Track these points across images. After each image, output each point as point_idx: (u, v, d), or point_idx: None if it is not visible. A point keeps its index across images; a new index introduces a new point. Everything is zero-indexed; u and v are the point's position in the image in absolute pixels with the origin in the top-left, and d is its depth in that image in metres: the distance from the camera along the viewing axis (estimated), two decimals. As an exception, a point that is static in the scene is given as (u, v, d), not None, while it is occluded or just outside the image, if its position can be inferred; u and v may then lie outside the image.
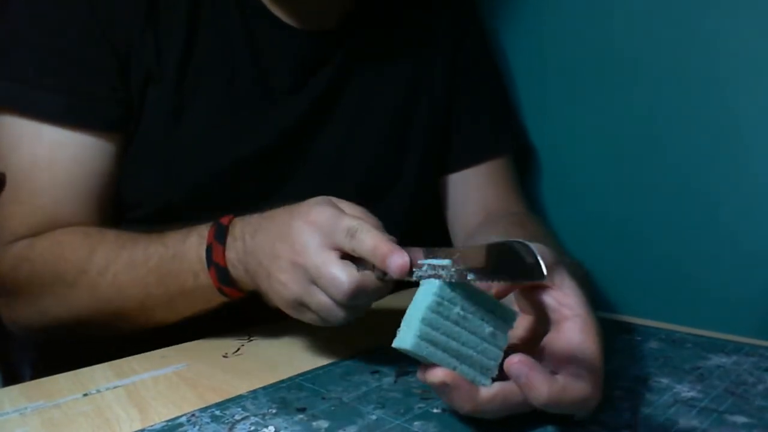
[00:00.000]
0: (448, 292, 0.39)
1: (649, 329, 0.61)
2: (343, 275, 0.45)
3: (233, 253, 0.53)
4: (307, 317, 0.50)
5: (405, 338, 0.39)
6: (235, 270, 0.54)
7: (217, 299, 0.56)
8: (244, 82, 0.67)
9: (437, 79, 0.76)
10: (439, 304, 0.39)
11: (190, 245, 0.56)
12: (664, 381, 0.49)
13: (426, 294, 0.39)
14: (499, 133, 0.80)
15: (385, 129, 0.73)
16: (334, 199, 0.50)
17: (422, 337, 0.38)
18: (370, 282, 0.46)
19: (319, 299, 0.48)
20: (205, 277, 0.55)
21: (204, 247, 0.55)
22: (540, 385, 0.38)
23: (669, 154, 0.71)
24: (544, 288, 0.43)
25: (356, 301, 0.46)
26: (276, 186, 0.69)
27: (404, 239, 0.75)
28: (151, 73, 0.63)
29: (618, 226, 0.76)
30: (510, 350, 0.41)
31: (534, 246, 0.42)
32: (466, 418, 0.43)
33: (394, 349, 0.40)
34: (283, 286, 0.49)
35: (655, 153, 0.72)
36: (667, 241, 0.72)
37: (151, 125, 0.65)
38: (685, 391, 0.47)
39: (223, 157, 0.66)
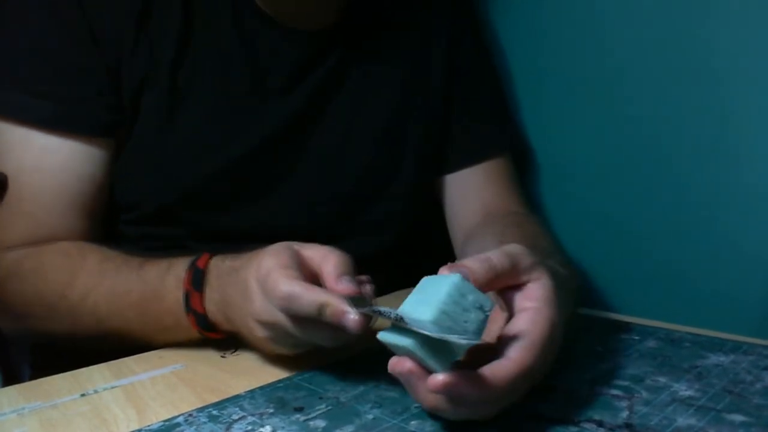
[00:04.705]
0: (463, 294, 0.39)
1: (647, 328, 0.61)
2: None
3: (212, 305, 0.53)
4: (306, 348, 0.51)
5: (405, 337, 0.39)
6: (215, 317, 0.54)
7: (198, 337, 0.56)
8: (238, 82, 0.67)
9: (434, 79, 0.76)
10: (456, 303, 0.39)
11: (168, 287, 0.55)
12: (662, 380, 0.49)
13: (443, 291, 0.39)
14: (497, 132, 0.80)
15: (381, 129, 0.73)
16: (296, 245, 0.50)
17: (438, 323, 0.38)
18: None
19: (301, 338, 0.48)
20: (186, 321, 0.55)
21: (182, 292, 0.54)
22: (422, 390, 0.39)
23: (667, 153, 0.71)
24: (519, 287, 0.44)
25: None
26: (271, 186, 0.69)
27: (402, 240, 0.76)
28: (145, 77, 0.64)
29: (616, 225, 0.76)
30: (478, 349, 0.41)
31: (510, 247, 0.43)
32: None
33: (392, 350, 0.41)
34: (265, 341, 0.50)
35: (653, 152, 0.72)
36: (666, 240, 0.72)
37: (146, 128, 0.65)
38: (683, 389, 0.47)
39: (218, 158, 0.66)
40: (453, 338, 0.37)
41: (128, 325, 0.57)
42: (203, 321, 0.54)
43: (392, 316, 0.39)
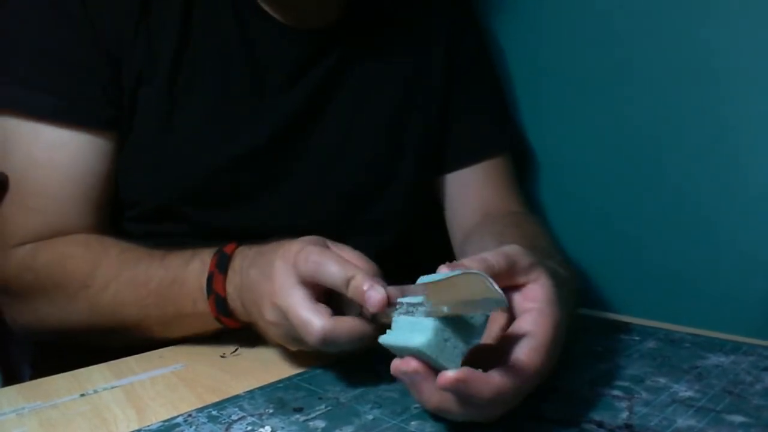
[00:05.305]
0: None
1: (647, 329, 0.61)
2: (314, 320, 0.45)
3: (232, 287, 0.53)
4: (307, 348, 0.50)
5: (415, 337, 0.39)
6: (234, 302, 0.54)
7: (214, 326, 0.56)
8: (238, 80, 0.67)
9: (434, 78, 0.76)
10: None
11: (191, 271, 0.55)
12: (662, 380, 0.49)
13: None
14: (496, 132, 0.80)
15: (380, 128, 0.73)
16: (329, 242, 0.50)
17: (437, 335, 0.38)
18: (345, 328, 0.46)
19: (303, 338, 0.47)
20: (204, 305, 0.55)
21: (206, 275, 0.54)
22: (427, 390, 0.39)
23: (667, 154, 0.71)
24: (518, 287, 0.44)
25: (330, 347, 0.46)
26: (271, 184, 0.69)
27: (402, 240, 0.76)
28: (142, 74, 0.64)
29: (616, 225, 0.76)
30: (480, 350, 0.41)
31: (508, 247, 0.43)
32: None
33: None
34: (270, 325, 0.50)
35: (652, 153, 0.72)
36: (666, 240, 0.72)
37: (145, 125, 0.65)
38: (683, 390, 0.47)
39: (218, 155, 0.66)
40: (487, 296, 0.37)
41: (145, 314, 0.57)
42: (222, 304, 0.54)
43: (420, 308, 0.40)
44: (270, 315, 0.49)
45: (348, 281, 0.45)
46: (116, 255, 0.60)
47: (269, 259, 0.50)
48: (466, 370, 0.37)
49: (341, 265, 0.46)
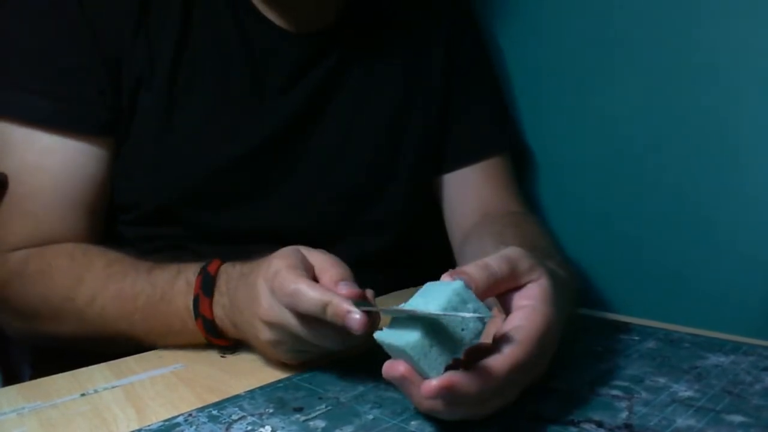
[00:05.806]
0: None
1: (647, 329, 0.61)
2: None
3: (220, 309, 0.53)
4: (309, 356, 0.51)
5: (403, 337, 0.39)
6: (223, 323, 0.54)
7: (204, 341, 0.56)
8: (238, 81, 0.67)
9: (433, 79, 0.76)
10: (455, 309, 0.39)
11: (178, 291, 0.55)
12: (662, 380, 0.49)
13: (443, 297, 0.39)
14: (496, 132, 0.80)
15: (380, 128, 0.74)
16: (303, 249, 0.50)
17: (423, 339, 0.38)
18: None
19: (306, 340, 0.48)
20: (193, 325, 0.55)
21: (191, 296, 0.54)
22: (416, 394, 0.39)
23: (666, 154, 0.71)
24: (518, 288, 0.44)
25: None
26: (271, 186, 0.69)
27: (402, 240, 0.76)
28: (142, 77, 0.64)
29: (616, 225, 0.76)
30: (476, 349, 0.41)
31: (509, 251, 0.43)
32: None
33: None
34: (269, 345, 0.50)
35: (652, 152, 0.72)
36: (665, 240, 0.72)
37: (144, 128, 0.65)
38: (683, 390, 0.47)
39: (218, 156, 0.66)
40: (460, 315, 0.37)
41: (134, 328, 0.57)
42: (211, 326, 0.54)
43: (394, 308, 0.39)
44: (266, 334, 0.49)
45: (323, 308, 0.44)
46: (102, 268, 0.59)
47: (252, 280, 0.50)
48: (449, 376, 0.37)
49: (316, 292, 0.45)
